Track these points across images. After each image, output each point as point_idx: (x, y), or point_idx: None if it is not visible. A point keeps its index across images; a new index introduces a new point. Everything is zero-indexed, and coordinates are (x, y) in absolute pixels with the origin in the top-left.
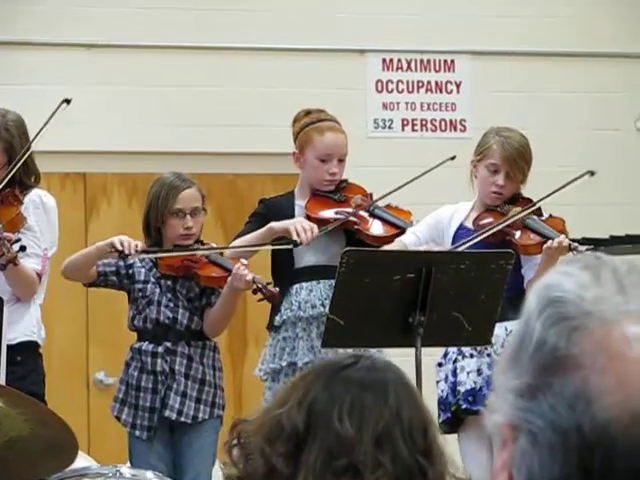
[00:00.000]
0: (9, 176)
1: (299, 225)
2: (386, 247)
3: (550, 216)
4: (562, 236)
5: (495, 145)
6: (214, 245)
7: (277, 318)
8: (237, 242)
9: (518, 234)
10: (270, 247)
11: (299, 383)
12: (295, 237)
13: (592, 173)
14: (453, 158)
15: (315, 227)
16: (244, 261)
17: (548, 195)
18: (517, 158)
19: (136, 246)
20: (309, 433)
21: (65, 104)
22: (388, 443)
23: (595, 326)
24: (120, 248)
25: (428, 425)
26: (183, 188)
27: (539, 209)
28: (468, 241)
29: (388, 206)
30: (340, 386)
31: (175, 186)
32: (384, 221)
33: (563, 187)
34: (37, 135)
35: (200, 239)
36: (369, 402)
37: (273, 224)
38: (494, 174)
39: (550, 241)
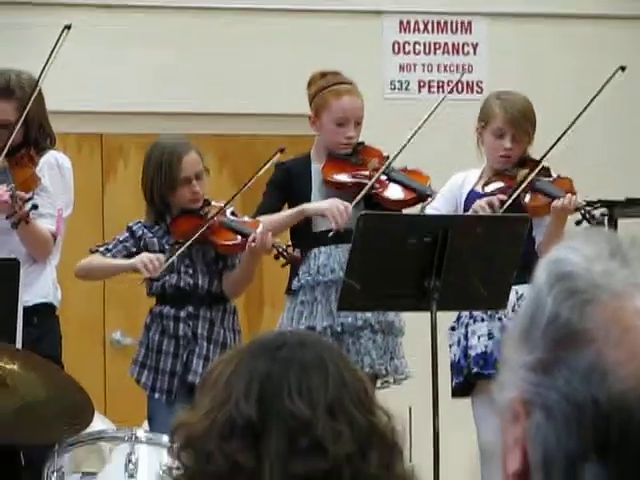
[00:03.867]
0: (22, 119)
1: (335, 209)
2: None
3: (558, 176)
4: (569, 195)
5: (498, 109)
6: (220, 204)
7: (295, 282)
8: (271, 218)
9: (527, 196)
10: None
11: (234, 374)
12: (333, 224)
13: (623, 68)
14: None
15: (349, 205)
16: (262, 225)
17: (588, 105)
18: (521, 120)
19: (159, 263)
20: (264, 422)
21: (67, 30)
22: (341, 411)
23: (607, 299)
24: (147, 274)
25: (366, 383)
26: (184, 154)
27: (548, 170)
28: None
29: (405, 170)
30: (282, 369)
31: (176, 153)
32: (402, 185)
33: (600, 90)
34: (44, 69)
35: (206, 198)
36: (314, 378)
37: (305, 207)
38: (500, 138)
39: (557, 200)
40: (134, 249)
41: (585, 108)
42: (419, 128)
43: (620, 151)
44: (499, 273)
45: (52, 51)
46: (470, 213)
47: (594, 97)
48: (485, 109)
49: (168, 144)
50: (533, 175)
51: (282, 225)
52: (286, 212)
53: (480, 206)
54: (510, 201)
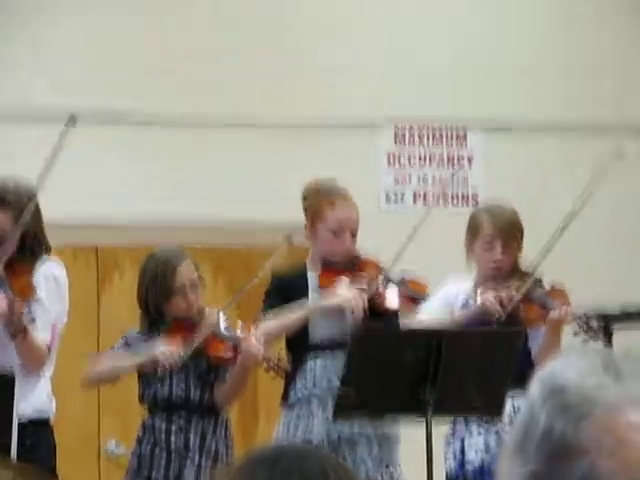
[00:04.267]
0: (19, 232)
1: (354, 301)
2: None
3: (552, 287)
4: (565, 306)
5: (486, 221)
6: (215, 311)
7: (291, 395)
8: (272, 322)
9: (522, 307)
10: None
11: None
12: (350, 313)
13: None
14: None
15: (365, 295)
16: (254, 337)
17: (585, 200)
18: (510, 229)
19: (178, 355)
20: None
21: (72, 121)
22: None
23: (600, 413)
24: (167, 366)
25: None
26: (178, 264)
27: (540, 281)
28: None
29: (403, 279)
30: (283, 477)
31: (171, 263)
32: (400, 293)
33: (594, 180)
34: (51, 162)
35: (201, 308)
36: None
37: (323, 302)
38: (490, 249)
39: (553, 312)
40: (134, 351)
41: (580, 207)
42: (412, 236)
43: (614, 260)
44: (494, 383)
45: (59, 142)
46: (478, 306)
47: (587, 186)
48: (473, 222)
49: (163, 255)
50: (528, 285)
51: (297, 322)
52: (300, 310)
53: (489, 301)
54: (515, 300)
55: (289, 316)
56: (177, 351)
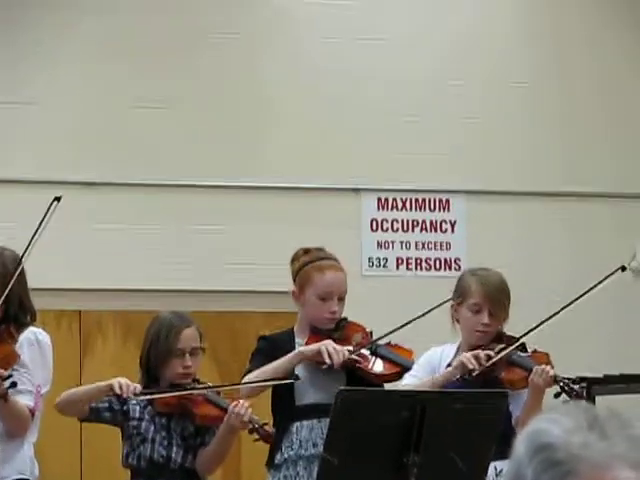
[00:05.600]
0: (3, 296)
1: (330, 347)
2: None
3: (534, 351)
4: (547, 366)
5: (474, 285)
6: (210, 384)
7: (278, 457)
8: (255, 373)
9: (504, 369)
10: (276, 383)
11: None
12: (327, 359)
13: (624, 268)
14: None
15: (346, 350)
16: (242, 400)
17: (581, 296)
18: (498, 295)
19: (134, 389)
20: None
21: (56, 202)
22: None
23: (586, 470)
24: (118, 392)
25: None
26: (183, 327)
27: (524, 345)
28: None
29: (389, 344)
30: None
31: (175, 325)
32: (385, 359)
33: (596, 285)
34: (33, 238)
35: (196, 377)
36: None
37: (303, 348)
38: (477, 314)
39: (535, 372)
40: (117, 407)
41: (576, 299)
42: (413, 320)
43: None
44: (478, 448)
45: (41, 223)
46: (456, 364)
47: (589, 290)
48: (461, 285)
49: (169, 316)
50: (512, 348)
51: (280, 371)
52: (283, 358)
53: (466, 358)
54: (496, 359)
55: (271, 365)
56: (133, 385)
